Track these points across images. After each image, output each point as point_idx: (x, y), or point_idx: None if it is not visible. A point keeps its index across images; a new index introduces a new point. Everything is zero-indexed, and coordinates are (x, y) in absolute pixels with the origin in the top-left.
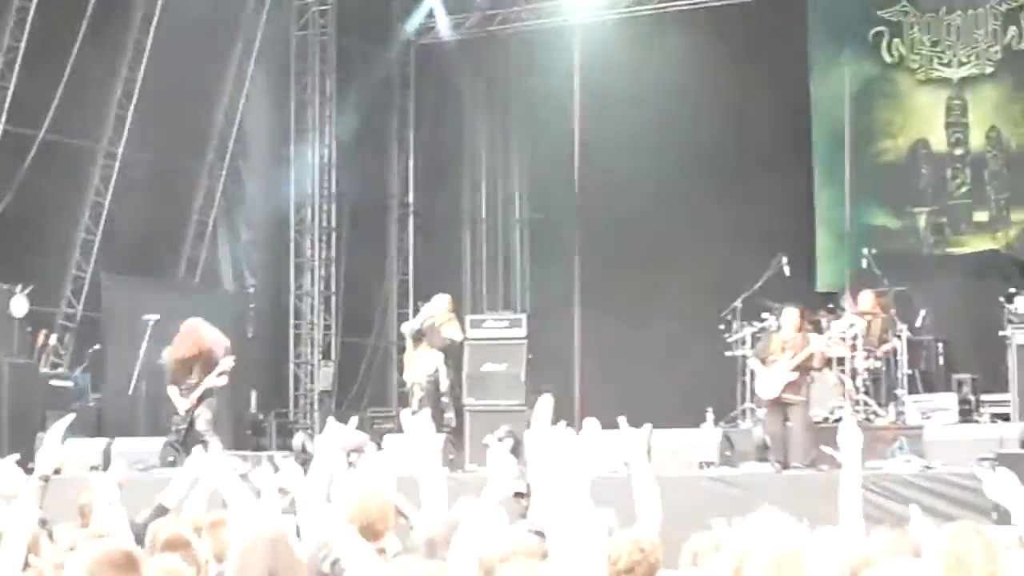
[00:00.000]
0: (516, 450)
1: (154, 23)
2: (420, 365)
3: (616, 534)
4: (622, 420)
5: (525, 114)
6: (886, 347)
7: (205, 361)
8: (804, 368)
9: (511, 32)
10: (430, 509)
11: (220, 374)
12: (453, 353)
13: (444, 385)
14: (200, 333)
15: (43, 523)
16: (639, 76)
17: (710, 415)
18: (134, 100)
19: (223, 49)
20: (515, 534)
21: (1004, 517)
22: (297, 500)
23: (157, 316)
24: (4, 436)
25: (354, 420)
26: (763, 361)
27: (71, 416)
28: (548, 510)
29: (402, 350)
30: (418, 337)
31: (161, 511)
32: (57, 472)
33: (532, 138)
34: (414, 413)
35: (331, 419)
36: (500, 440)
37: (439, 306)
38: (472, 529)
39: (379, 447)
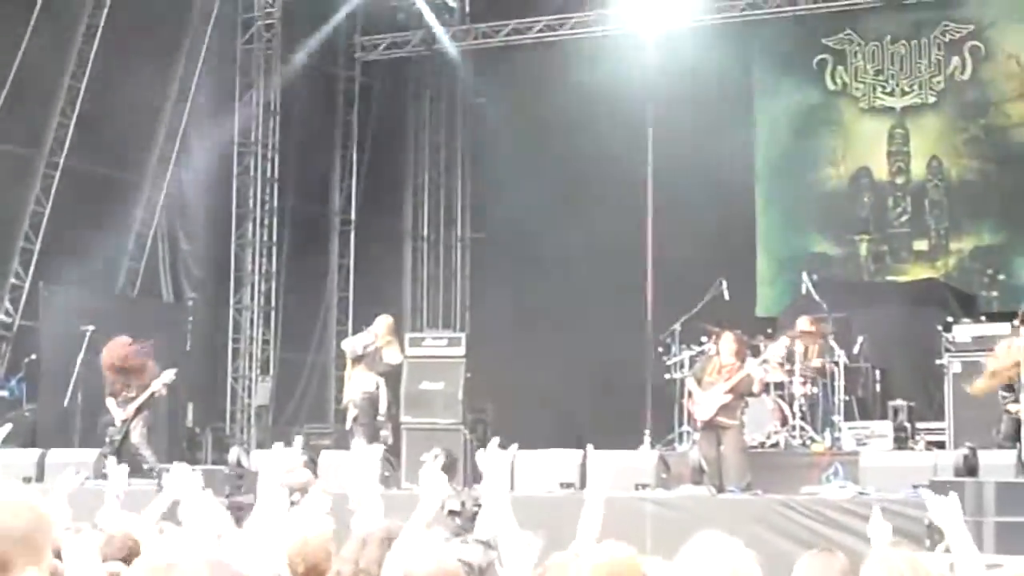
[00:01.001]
0: (451, 469)
1: (99, 33)
2: (357, 383)
3: (549, 556)
4: (590, 448)
5: (469, 134)
6: (823, 373)
7: (140, 375)
8: (739, 392)
9: (458, 51)
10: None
11: (163, 384)
12: (393, 374)
13: (383, 405)
14: (124, 348)
15: None
16: (582, 98)
17: (647, 437)
18: (77, 110)
19: (168, 60)
20: (440, 553)
21: (936, 542)
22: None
23: (94, 327)
24: None
25: (299, 439)
26: (699, 382)
27: (8, 426)
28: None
29: (341, 367)
30: (357, 359)
31: None
32: None
33: (475, 158)
34: (349, 430)
35: (278, 445)
36: (435, 458)
37: (379, 328)
38: (402, 549)
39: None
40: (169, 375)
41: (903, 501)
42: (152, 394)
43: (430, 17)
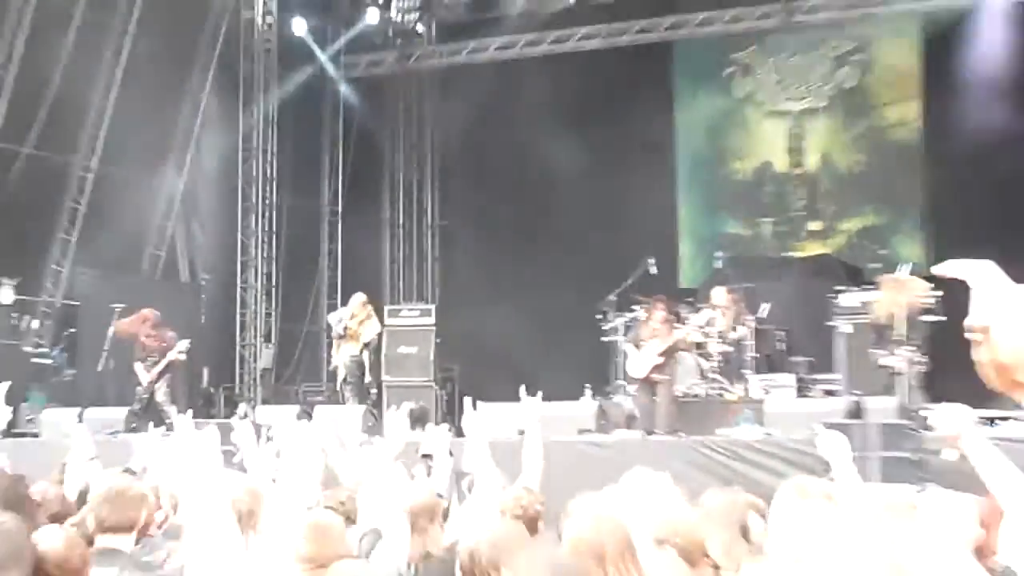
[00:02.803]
0: (424, 419)
1: (123, 60)
2: (345, 349)
3: (506, 489)
4: (522, 390)
5: (437, 138)
6: (736, 334)
7: (160, 341)
8: (669, 354)
9: (426, 68)
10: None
11: (180, 352)
12: (374, 343)
13: (367, 366)
14: (145, 319)
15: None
16: (530, 107)
17: (588, 390)
18: (107, 120)
19: (182, 80)
20: (416, 490)
21: (826, 471)
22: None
23: (123, 304)
24: None
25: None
26: (636, 346)
27: (7, 384)
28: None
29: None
30: (341, 337)
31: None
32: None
33: (443, 158)
34: (339, 390)
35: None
36: (399, 409)
37: (354, 305)
38: (378, 478)
39: (310, 417)
40: (184, 345)
41: (803, 440)
42: (171, 361)
43: None
